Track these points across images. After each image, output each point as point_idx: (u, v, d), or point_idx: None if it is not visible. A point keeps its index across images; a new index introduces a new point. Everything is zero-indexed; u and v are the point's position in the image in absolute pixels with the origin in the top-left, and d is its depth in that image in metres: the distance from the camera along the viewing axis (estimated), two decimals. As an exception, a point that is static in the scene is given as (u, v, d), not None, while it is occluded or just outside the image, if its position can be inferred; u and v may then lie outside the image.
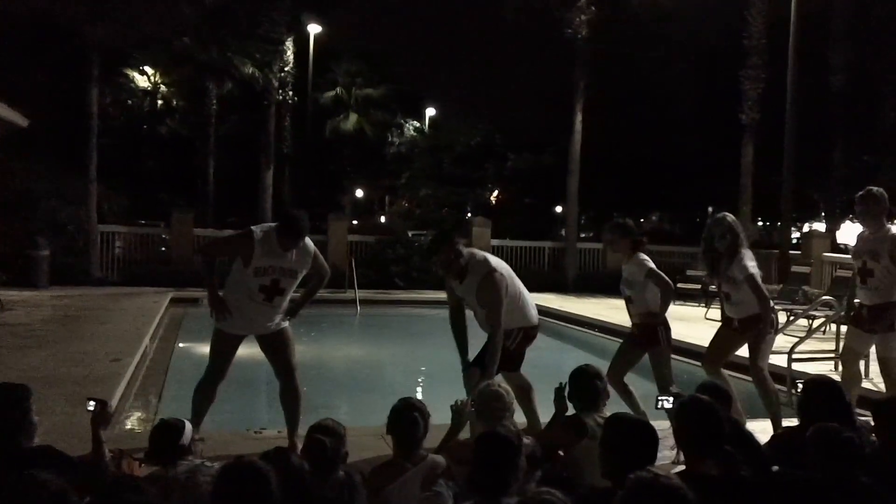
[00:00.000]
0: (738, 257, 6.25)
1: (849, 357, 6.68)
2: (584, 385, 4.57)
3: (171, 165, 29.82)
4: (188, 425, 3.89)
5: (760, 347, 6.31)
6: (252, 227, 5.59)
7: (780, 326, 6.66)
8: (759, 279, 6.23)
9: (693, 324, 13.13)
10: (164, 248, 19.67)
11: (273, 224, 5.65)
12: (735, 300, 6.37)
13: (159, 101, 29.53)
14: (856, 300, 6.66)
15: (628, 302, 6.46)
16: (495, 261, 6.04)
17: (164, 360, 10.40)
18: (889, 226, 6.44)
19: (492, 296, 5.83)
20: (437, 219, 25.15)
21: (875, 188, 6.50)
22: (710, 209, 36.93)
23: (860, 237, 6.64)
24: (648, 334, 6.29)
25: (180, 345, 11.78)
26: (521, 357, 6.17)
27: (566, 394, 4.65)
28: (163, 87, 29.22)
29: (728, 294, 6.42)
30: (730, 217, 6.50)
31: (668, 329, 6.33)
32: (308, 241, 5.69)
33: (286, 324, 5.78)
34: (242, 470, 3.04)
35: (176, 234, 19.21)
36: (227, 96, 27.69)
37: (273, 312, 5.64)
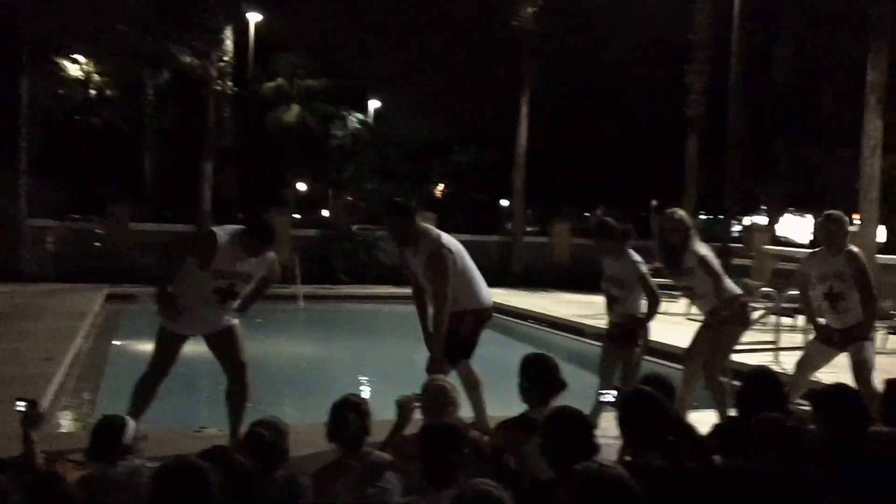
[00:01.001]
0: (689, 245, 6.30)
1: (805, 367, 6.65)
2: (537, 377, 4.46)
3: (107, 158, 29.17)
4: (131, 423, 3.83)
5: (719, 343, 6.35)
6: (215, 230, 5.44)
7: (748, 318, 6.65)
8: (713, 262, 6.27)
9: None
10: (98, 244, 19.22)
11: (236, 227, 5.48)
12: (699, 293, 6.41)
13: (92, 92, 28.83)
14: (820, 320, 6.60)
15: (612, 301, 6.46)
16: (447, 238, 6.00)
17: (99, 358, 10.15)
18: (850, 246, 6.42)
19: (437, 271, 5.79)
20: (382, 213, 25.06)
21: (835, 212, 6.55)
22: (653, 203, 37.42)
23: (817, 260, 6.54)
24: (627, 335, 6.32)
25: (116, 342, 11.51)
26: (474, 345, 6.10)
27: (518, 385, 4.50)
28: (96, 77, 28.52)
29: (691, 289, 6.47)
30: (680, 211, 6.54)
31: (646, 331, 6.38)
32: None
33: (235, 321, 5.67)
34: (181, 469, 2.99)
35: (112, 230, 18.77)
36: (165, 87, 27.18)
37: (224, 313, 5.54)
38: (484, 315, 6.09)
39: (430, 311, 6.07)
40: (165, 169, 28.54)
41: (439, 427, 3.57)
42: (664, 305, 6.31)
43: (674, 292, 9.95)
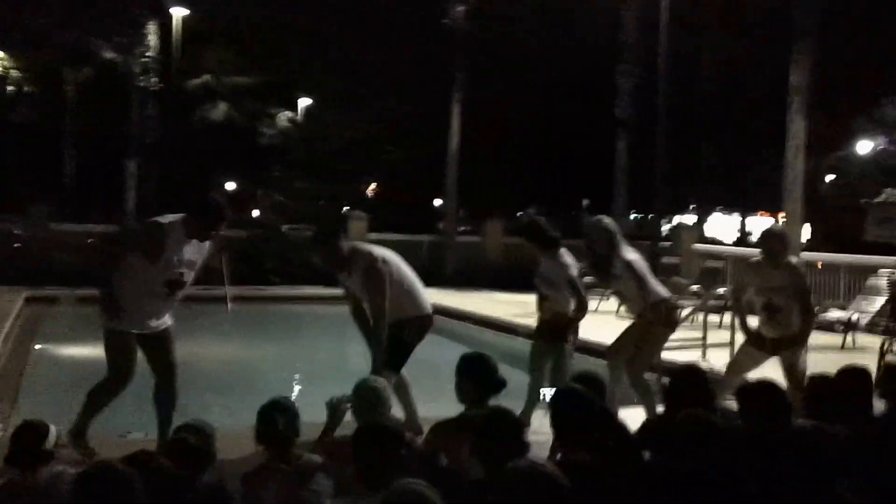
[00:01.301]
0: (616, 252, 6.34)
1: (735, 370, 6.73)
2: (475, 376, 4.45)
3: (26, 157, 28.34)
4: (53, 429, 3.76)
5: (645, 346, 6.44)
6: (159, 220, 5.37)
7: (675, 321, 6.75)
8: (639, 266, 6.35)
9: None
10: (17, 245, 18.60)
11: (177, 215, 5.41)
12: (628, 296, 6.50)
13: (9, 87, 27.98)
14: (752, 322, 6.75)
15: (542, 299, 6.50)
16: (379, 251, 6.06)
17: (18, 364, 9.81)
18: (789, 258, 6.55)
19: (375, 286, 5.79)
20: (313, 212, 24.79)
21: (777, 227, 6.68)
22: (584, 202, 37.85)
23: (756, 272, 6.64)
24: (556, 332, 6.39)
25: (37, 347, 11.17)
26: (411, 350, 6.14)
27: (456, 384, 4.49)
28: (13, 72, 27.67)
29: (621, 293, 6.55)
30: (606, 219, 6.63)
31: (575, 330, 6.42)
32: None
33: (170, 322, 5.61)
34: (104, 475, 2.93)
35: (31, 230, 18.18)
36: (86, 83, 26.48)
37: (169, 307, 5.56)
38: (428, 321, 6.17)
39: (366, 320, 6.10)
40: (87, 168, 27.74)
41: (374, 428, 3.56)
42: (595, 304, 6.41)
43: (601, 289, 10.10)
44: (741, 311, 6.78)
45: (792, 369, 6.36)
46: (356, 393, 4.43)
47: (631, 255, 6.36)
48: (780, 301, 6.36)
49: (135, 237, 6.04)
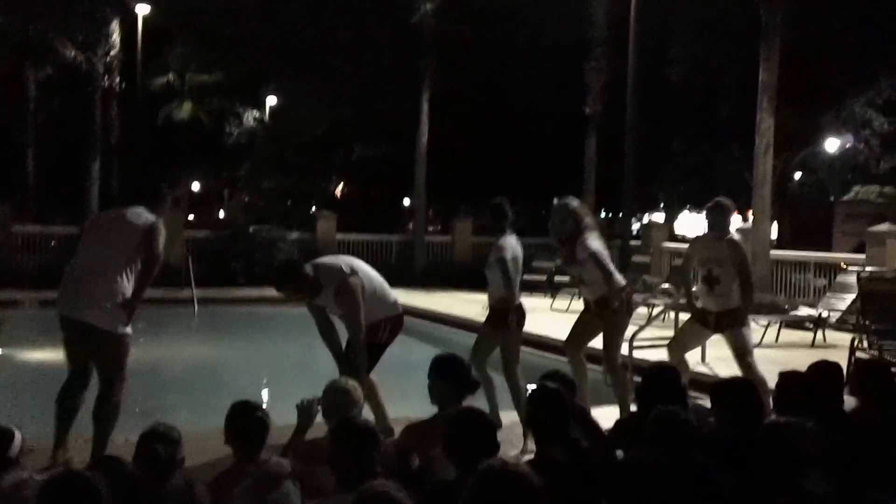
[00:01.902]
0: (581, 238, 6.33)
1: (677, 347, 6.91)
2: (448, 377, 4.45)
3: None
4: (18, 435, 3.63)
5: (612, 334, 6.45)
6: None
7: (633, 307, 6.80)
8: (603, 256, 6.34)
9: (538, 314, 13.35)
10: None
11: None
12: (588, 281, 6.49)
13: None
14: (697, 302, 6.88)
15: (489, 284, 6.53)
16: (346, 263, 5.97)
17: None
18: (731, 232, 6.73)
19: (349, 304, 5.74)
20: (281, 212, 24.63)
21: (723, 199, 6.81)
22: (555, 201, 37.94)
23: (701, 244, 6.97)
24: (499, 318, 6.34)
25: None
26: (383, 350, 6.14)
27: (429, 386, 4.47)
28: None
29: (581, 277, 6.55)
30: (573, 202, 6.61)
31: (521, 315, 6.38)
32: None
33: (126, 329, 5.42)
34: (69, 481, 2.84)
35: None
36: (48, 81, 26.12)
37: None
38: (399, 321, 6.14)
39: (333, 337, 6.09)
40: (50, 168, 27.37)
41: (352, 425, 3.56)
42: (567, 303, 6.35)
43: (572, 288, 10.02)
44: (687, 283, 6.93)
45: (740, 354, 6.47)
46: (326, 394, 4.39)
47: (595, 243, 6.36)
48: (719, 272, 6.57)
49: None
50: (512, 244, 6.40)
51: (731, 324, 6.59)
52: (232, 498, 3.64)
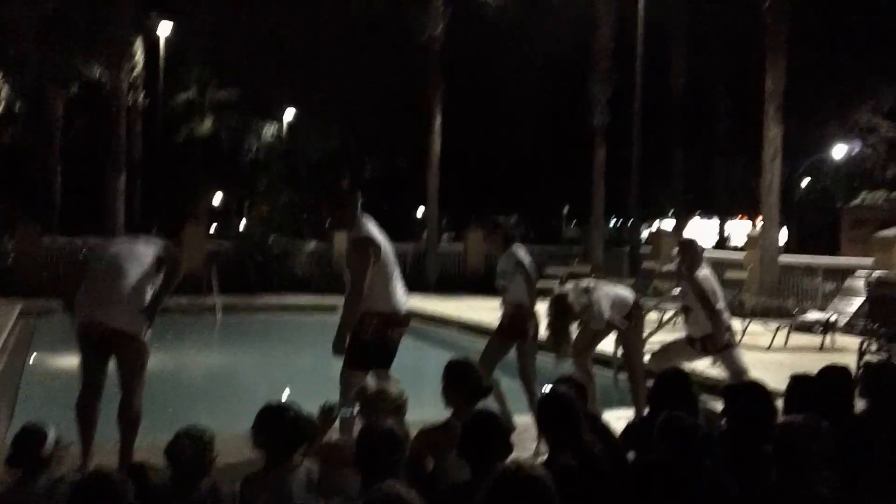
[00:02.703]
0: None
1: (661, 357, 7.07)
2: (461, 382, 4.45)
3: (13, 174, 28.24)
4: (52, 434, 3.73)
5: (634, 341, 6.76)
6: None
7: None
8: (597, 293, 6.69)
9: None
10: (10, 260, 18.63)
11: None
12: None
13: (-2, 108, 27.85)
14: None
15: (502, 293, 6.60)
16: (377, 233, 5.89)
17: (13, 376, 9.86)
18: (695, 270, 6.85)
19: (357, 262, 5.73)
20: (298, 223, 24.90)
21: (687, 238, 7.10)
22: (565, 209, 38.01)
23: (677, 275, 7.27)
24: (516, 325, 6.45)
25: (32, 359, 11.23)
26: (385, 350, 5.84)
27: (442, 389, 4.48)
28: (2, 93, 27.55)
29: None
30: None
31: (536, 324, 6.52)
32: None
33: (146, 335, 5.57)
34: (99, 482, 2.96)
35: (22, 246, 18.22)
36: (73, 100, 26.46)
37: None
38: (392, 319, 5.80)
39: None
40: (75, 183, 27.70)
41: (378, 431, 3.56)
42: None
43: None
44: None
45: (735, 377, 6.56)
46: (365, 399, 4.42)
47: (523, 255, 6.62)
48: (690, 303, 6.84)
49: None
50: (523, 253, 6.58)
51: (714, 348, 6.75)
52: (261, 499, 3.63)
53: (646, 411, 5.04)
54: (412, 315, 6.12)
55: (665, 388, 4.51)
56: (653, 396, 4.60)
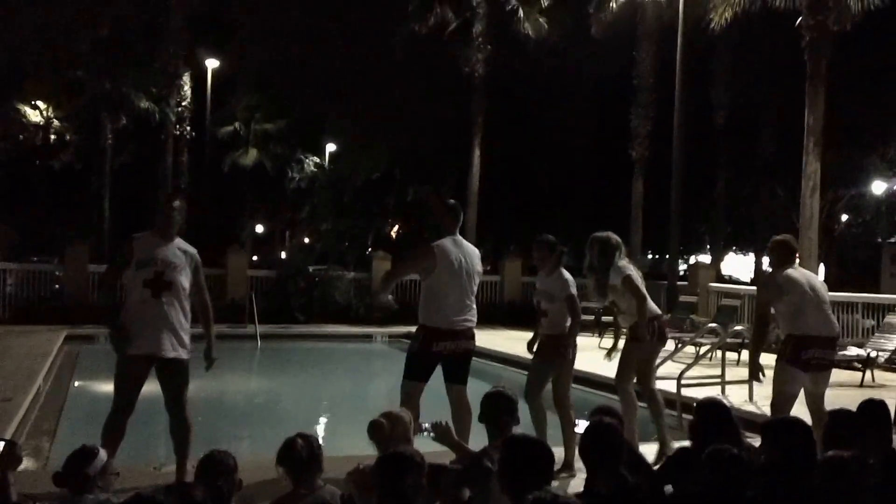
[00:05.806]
0: (614, 267, 6.59)
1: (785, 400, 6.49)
2: (493, 413, 4.49)
3: (64, 199, 28.94)
4: (102, 455, 3.81)
5: (646, 361, 6.68)
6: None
7: (665, 335, 6.85)
8: (635, 278, 6.54)
9: (587, 352, 13.46)
10: (57, 286, 19.06)
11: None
12: (622, 309, 6.69)
13: (52, 136, 28.65)
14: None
15: (542, 315, 6.52)
16: (451, 247, 6.01)
17: (59, 398, 10.10)
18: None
19: (403, 259, 5.99)
20: (339, 252, 25.12)
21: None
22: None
23: None
24: (554, 348, 6.39)
25: (76, 383, 11.49)
26: (427, 362, 5.95)
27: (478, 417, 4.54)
28: (56, 122, 28.37)
29: (616, 303, 6.74)
30: (600, 235, 6.86)
31: (574, 348, 6.46)
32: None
33: (186, 355, 5.59)
34: None
35: (70, 270, 18.63)
36: (123, 130, 27.12)
37: (166, 319, 5.47)
38: (436, 333, 5.90)
39: None
40: (124, 209, 28.28)
41: (395, 456, 3.56)
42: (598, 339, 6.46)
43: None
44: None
45: (816, 399, 6.45)
46: (376, 425, 4.43)
47: (629, 269, 6.58)
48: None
49: (112, 262, 6.32)
50: (572, 280, 6.52)
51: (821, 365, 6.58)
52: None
53: (687, 442, 5.04)
54: (466, 332, 6.05)
55: (706, 418, 4.46)
56: (694, 427, 4.54)
